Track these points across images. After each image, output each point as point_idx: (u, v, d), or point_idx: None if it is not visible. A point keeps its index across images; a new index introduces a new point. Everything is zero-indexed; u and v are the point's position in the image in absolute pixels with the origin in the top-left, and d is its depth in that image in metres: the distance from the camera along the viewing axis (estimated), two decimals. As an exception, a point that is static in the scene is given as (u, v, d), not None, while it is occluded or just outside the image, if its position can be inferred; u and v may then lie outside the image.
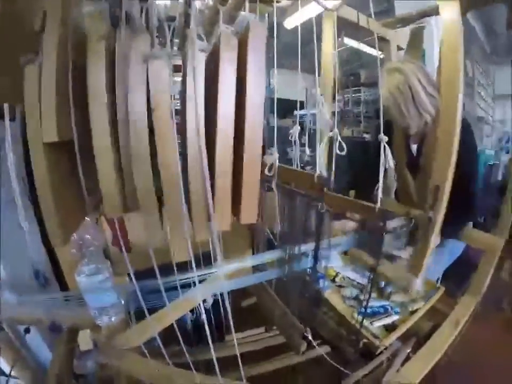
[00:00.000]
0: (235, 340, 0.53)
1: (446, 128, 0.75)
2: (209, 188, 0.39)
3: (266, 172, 0.66)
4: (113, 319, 0.82)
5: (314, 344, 0.72)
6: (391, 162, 0.61)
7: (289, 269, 0.74)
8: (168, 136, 0.38)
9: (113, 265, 0.84)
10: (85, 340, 0.74)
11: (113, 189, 0.41)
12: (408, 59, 1.09)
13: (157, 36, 0.44)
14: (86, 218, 0.64)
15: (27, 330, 0.92)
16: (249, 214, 0.42)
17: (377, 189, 0.60)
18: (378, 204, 0.58)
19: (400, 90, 0.92)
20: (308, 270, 0.80)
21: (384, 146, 0.59)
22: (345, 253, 1.04)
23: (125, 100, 0.38)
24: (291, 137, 0.82)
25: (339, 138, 0.75)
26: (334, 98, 1.14)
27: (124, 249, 0.56)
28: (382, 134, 0.60)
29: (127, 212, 0.43)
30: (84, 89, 0.40)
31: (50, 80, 0.40)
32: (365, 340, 0.74)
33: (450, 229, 0.96)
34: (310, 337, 0.71)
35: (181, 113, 0.47)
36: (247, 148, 0.40)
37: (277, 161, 0.65)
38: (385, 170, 1.24)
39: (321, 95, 0.61)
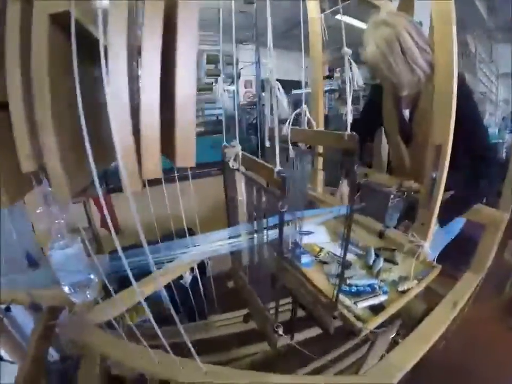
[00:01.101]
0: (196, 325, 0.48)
1: (443, 83, 0.70)
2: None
3: (230, 163, 0.64)
4: (88, 295, 0.80)
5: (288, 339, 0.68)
6: (360, 81, 0.54)
7: (261, 239, 0.68)
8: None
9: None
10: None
11: (25, 142, 0.40)
12: (396, 12, 0.98)
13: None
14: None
15: (8, 309, 0.91)
16: (185, 157, 0.38)
17: (346, 114, 0.55)
18: (348, 130, 0.52)
19: (389, 44, 0.81)
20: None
21: (350, 61, 0.52)
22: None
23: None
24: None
25: (308, 114, 0.72)
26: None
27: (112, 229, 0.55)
28: (344, 48, 0.53)
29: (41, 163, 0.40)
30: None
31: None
32: (337, 323, 0.67)
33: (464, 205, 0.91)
34: (281, 332, 0.66)
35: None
36: (179, 88, 0.36)
37: (240, 152, 0.63)
38: (372, 138, 1.16)
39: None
